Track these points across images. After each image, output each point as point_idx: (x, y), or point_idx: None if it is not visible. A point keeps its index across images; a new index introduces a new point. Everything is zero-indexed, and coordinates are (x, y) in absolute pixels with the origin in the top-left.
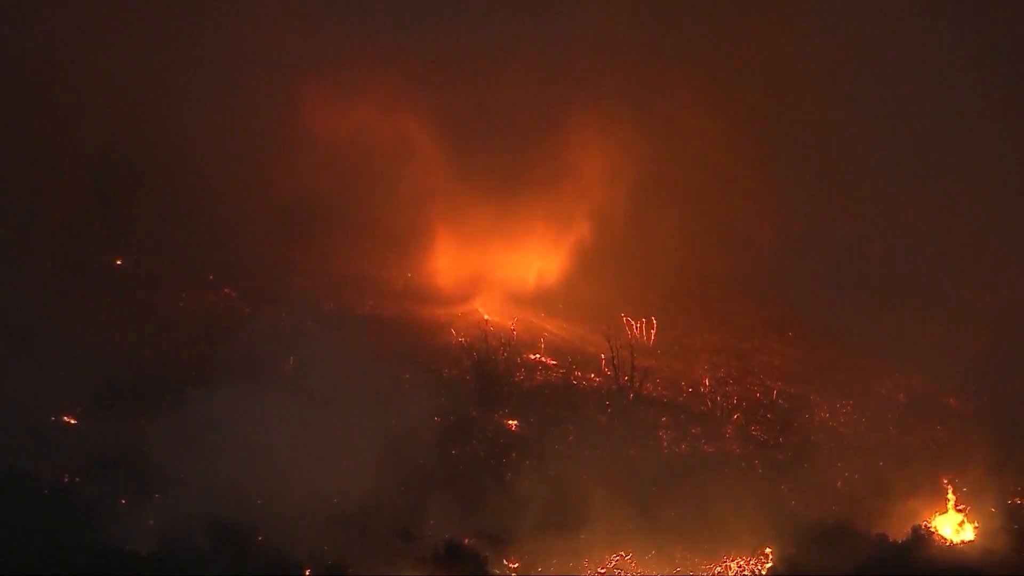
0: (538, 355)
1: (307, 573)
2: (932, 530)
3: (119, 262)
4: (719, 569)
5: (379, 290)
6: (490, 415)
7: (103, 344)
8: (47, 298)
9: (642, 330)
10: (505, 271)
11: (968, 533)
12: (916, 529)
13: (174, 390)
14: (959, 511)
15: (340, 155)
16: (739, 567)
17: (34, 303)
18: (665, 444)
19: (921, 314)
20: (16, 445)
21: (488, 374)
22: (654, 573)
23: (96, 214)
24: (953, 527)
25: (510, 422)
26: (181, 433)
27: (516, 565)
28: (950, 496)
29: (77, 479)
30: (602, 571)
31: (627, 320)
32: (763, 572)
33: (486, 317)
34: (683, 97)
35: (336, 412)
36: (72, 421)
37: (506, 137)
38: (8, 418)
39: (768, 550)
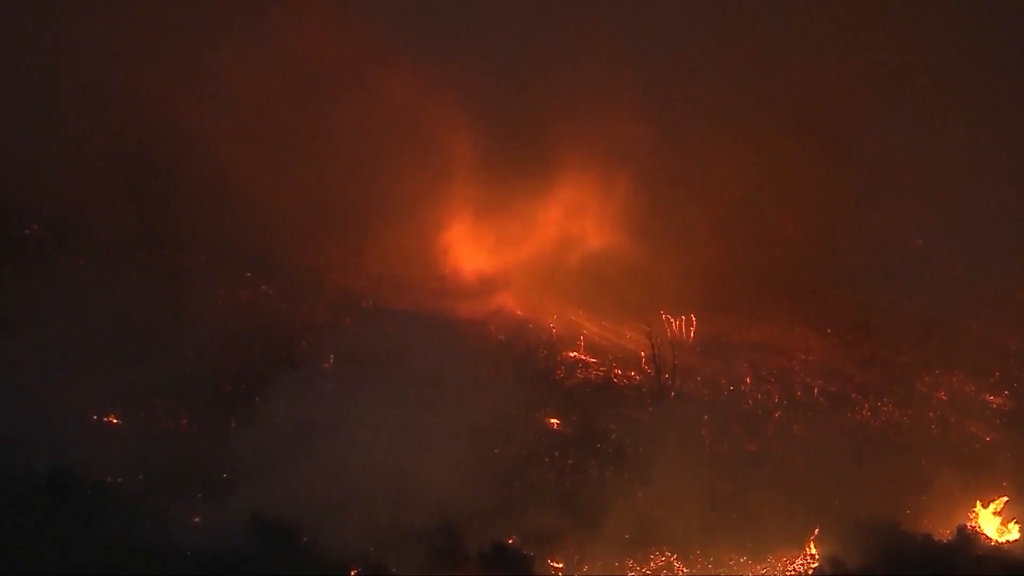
0: (577, 353)
1: (353, 574)
2: (977, 530)
3: (155, 259)
4: (765, 569)
5: (416, 286)
6: (531, 414)
7: (142, 342)
8: (83, 297)
9: (681, 328)
10: (542, 268)
11: (1013, 533)
12: (961, 529)
13: (215, 388)
14: (1003, 510)
15: (375, 151)
16: (784, 566)
17: (71, 302)
18: (707, 443)
19: (960, 310)
20: (59, 445)
21: (528, 372)
22: (699, 573)
23: (131, 210)
24: (997, 527)
25: (551, 421)
26: (224, 432)
27: (561, 565)
28: (994, 495)
29: (120, 479)
30: (647, 572)
31: (666, 318)
32: (809, 572)
33: (524, 315)
34: (720, 92)
35: (378, 412)
36: (115, 420)
37: (542, 133)
38: (51, 418)
39: (814, 550)
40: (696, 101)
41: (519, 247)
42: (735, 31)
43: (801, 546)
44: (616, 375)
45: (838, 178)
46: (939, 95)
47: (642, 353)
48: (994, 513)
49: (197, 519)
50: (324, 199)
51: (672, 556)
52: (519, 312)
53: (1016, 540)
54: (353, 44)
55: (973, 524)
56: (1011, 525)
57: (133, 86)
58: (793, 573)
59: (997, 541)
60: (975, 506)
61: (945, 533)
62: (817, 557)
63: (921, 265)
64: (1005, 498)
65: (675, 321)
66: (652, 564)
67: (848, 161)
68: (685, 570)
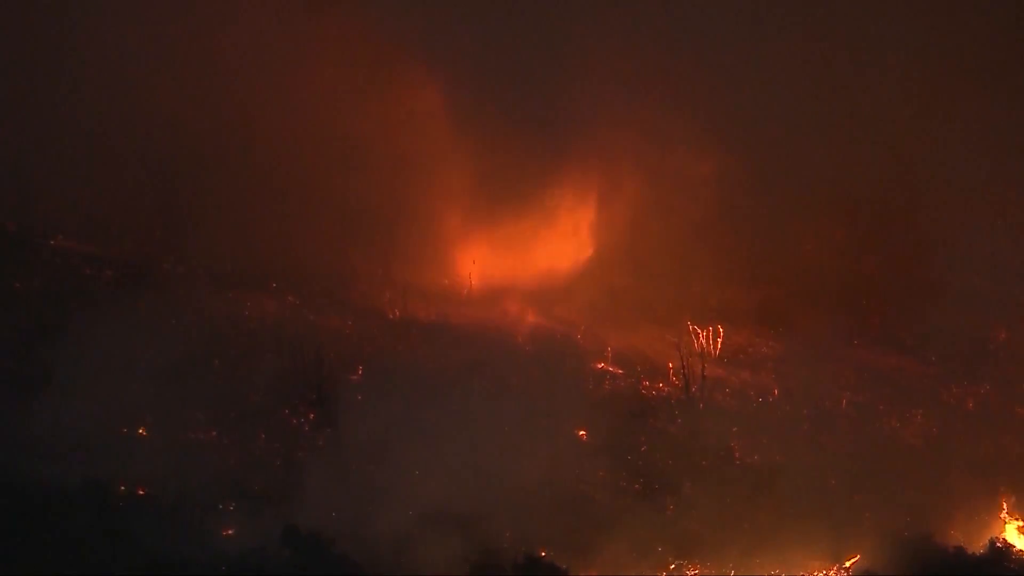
0: (605, 364)
1: None
2: (1009, 543)
3: (180, 269)
4: None
5: (442, 297)
6: (560, 425)
7: (170, 354)
8: (110, 307)
9: (708, 339)
10: (569, 279)
11: None
12: (993, 542)
13: (245, 399)
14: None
15: (402, 161)
16: None
17: (98, 313)
18: (737, 454)
19: (988, 320)
20: (90, 457)
21: (556, 384)
22: None
23: (157, 221)
24: None
25: (580, 432)
26: (255, 444)
27: None
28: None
29: (153, 491)
30: None
31: (693, 328)
32: None
33: (551, 326)
34: (744, 103)
35: (406, 422)
36: (144, 433)
37: (569, 145)
38: (81, 430)
39: (848, 564)
40: (722, 112)
41: (546, 258)
42: (763, 36)
43: (832, 558)
44: (644, 386)
45: (865, 188)
46: (965, 105)
47: (670, 364)
48: (1018, 529)
49: (230, 531)
50: (350, 209)
51: (704, 568)
52: (546, 323)
53: None
54: (383, 57)
55: (1005, 537)
56: None
57: (159, 96)
58: None
59: None
60: (1005, 519)
61: (977, 546)
62: (849, 570)
63: (948, 275)
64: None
65: (702, 332)
66: (685, 575)
67: (874, 171)
68: None
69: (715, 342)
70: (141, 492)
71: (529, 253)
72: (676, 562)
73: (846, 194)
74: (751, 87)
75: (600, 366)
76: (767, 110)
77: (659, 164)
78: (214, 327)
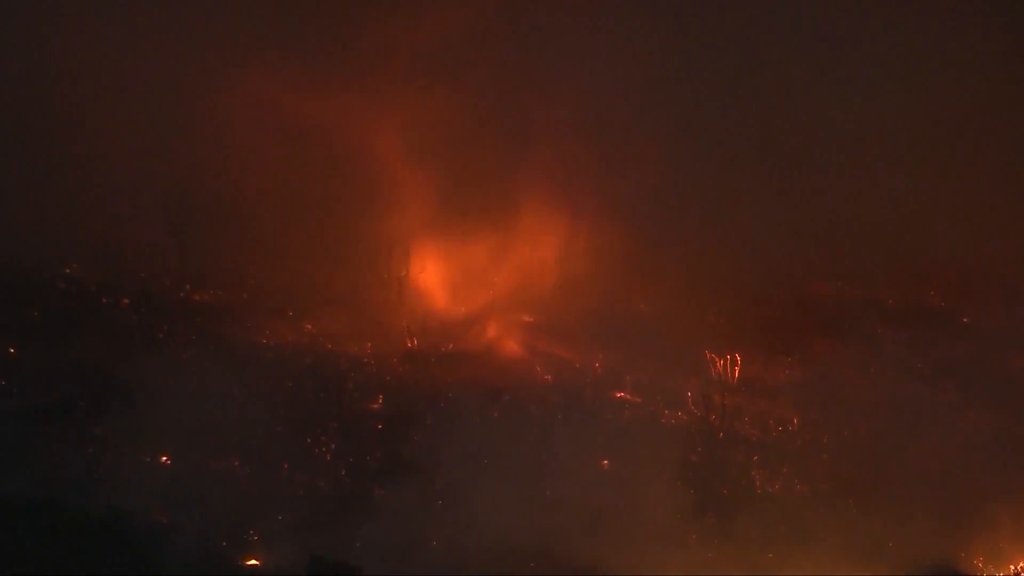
0: (624, 393)
1: None
2: None
3: (198, 298)
4: None
5: (460, 326)
6: (579, 453)
7: (190, 382)
8: (128, 336)
9: (726, 367)
10: (587, 308)
11: None
12: (1019, 573)
13: (265, 428)
14: None
15: (417, 190)
16: None
17: (116, 341)
18: (758, 484)
19: (1004, 348)
20: (113, 485)
21: (575, 412)
22: None
23: (173, 250)
24: None
25: (602, 461)
26: (277, 472)
27: None
28: None
29: (174, 519)
30: None
31: (711, 357)
32: None
33: (569, 355)
34: (760, 128)
35: (430, 453)
36: (166, 460)
37: (582, 173)
38: (103, 459)
39: None
40: (735, 134)
41: (563, 287)
42: (768, 60)
43: None
44: (664, 416)
45: (878, 216)
46: (985, 129)
47: (688, 393)
48: None
49: (254, 561)
50: (366, 237)
51: None
52: (564, 352)
53: None
54: (388, 94)
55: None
56: None
57: (175, 127)
58: None
59: None
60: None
61: None
62: None
63: (963, 303)
64: None
65: (719, 361)
66: None
67: (888, 198)
68: None
69: (732, 370)
70: (164, 521)
71: (546, 283)
72: None
73: (861, 223)
74: (761, 104)
75: (619, 395)
76: (780, 131)
77: (674, 191)
78: (233, 355)
